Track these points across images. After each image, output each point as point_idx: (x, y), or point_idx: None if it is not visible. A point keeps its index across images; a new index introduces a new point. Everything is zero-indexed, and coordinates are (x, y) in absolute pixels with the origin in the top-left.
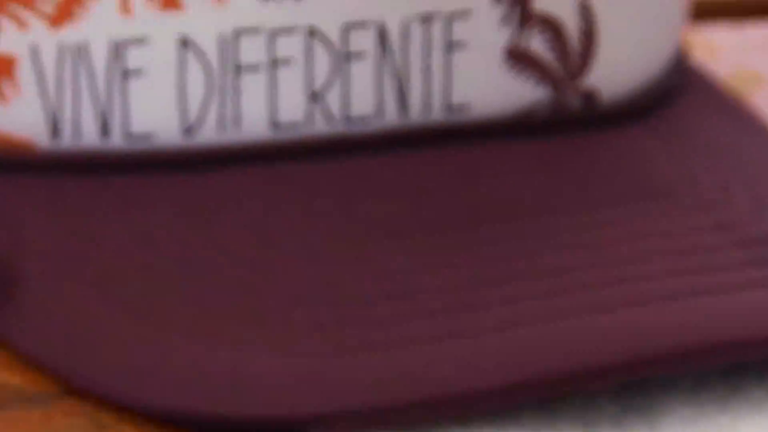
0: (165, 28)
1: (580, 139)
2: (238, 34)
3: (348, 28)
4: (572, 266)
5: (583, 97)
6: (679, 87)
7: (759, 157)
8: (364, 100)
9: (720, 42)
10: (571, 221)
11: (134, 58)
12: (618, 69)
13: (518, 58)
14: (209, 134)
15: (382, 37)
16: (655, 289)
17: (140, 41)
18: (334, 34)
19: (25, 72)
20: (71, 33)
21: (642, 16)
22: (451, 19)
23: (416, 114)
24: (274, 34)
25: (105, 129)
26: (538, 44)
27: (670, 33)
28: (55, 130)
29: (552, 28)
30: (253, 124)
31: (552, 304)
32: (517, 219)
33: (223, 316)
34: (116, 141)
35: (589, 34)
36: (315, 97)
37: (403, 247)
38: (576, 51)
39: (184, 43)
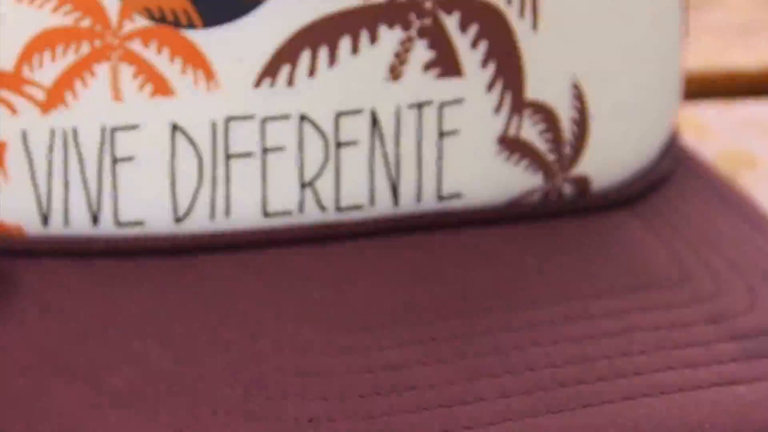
0: (156, 115)
1: (571, 225)
2: (230, 121)
3: (340, 116)
4: (564, 360)
5: (575, 184)
6: (670, 171)
7: (752, 244)
8: (356, 188)
9: (709, 121)
10: (563, 312)
11: (125, 144)
12: (610, 156)
13: (510, 147)
14: (200, 221)
15: (375, 125)
16: (648, 383)
17: (131, 127)
18: (326, 121)
19: (14, 157)
20: (62, 118)
21: (636, 104)
22: (443, 107)
23: (408, 202)
24: (265, 122)
25: (95, 216)
26: (530, 132)
27: (663, 120)
28: (45, 216)
29: (544, 115)
30: (245, 212)
31: (545, 398)
32: (508, 309)
33: (212, 408)
34: (107, 228)
35: (581, 122)
36: (307, 185)
37: (395, 337)
38: (568, 138)
39: (175, 130)
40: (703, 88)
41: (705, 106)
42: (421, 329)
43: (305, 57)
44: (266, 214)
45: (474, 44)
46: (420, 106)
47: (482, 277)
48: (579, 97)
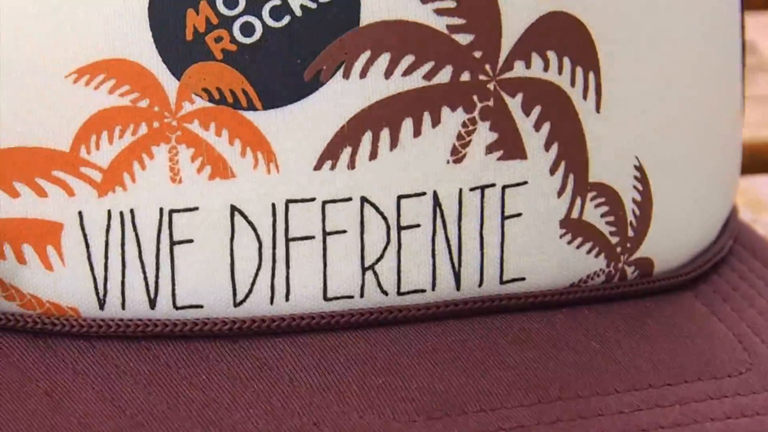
0: (215, 197)
1: (634, 308)
2: (290, 203)
3: (402, 199)
4: None
5: (638, 266)
6: (729, 248)
7: None
8: (417, 272)
9: (765, 196)
10: (631, 401)
11: (183, 227)
12: (674, 237)
13: (573, 229)
14: (260, 305)
15: (437, 207)
16: None
17: (190, 210)
18: (387, 204)
19: (70, 239)
20: (119, 200)
21: (699, 184)
22: (506, 189)
23: (470, 286)
24: (326, 205)
25: (153, 299)
26: (593, 214)
27: (725, 198)
28: (101, 299)
29: (607, 198)
30: (305, 295)
31: None
32: (576, 397)
33: None
34: (164, 311)
35: (644, 204)
36: (368, 269)
37: (460, 426)
38: (631, 221)
39: (235, 213)
40: (758, 162)
41: (760, 180)
42: (487, 418)
43: (366, 139)
44: (327, 298)
45: (537, 126)
46: (482, 188)
47: (547, 363)
48: (642, 179)
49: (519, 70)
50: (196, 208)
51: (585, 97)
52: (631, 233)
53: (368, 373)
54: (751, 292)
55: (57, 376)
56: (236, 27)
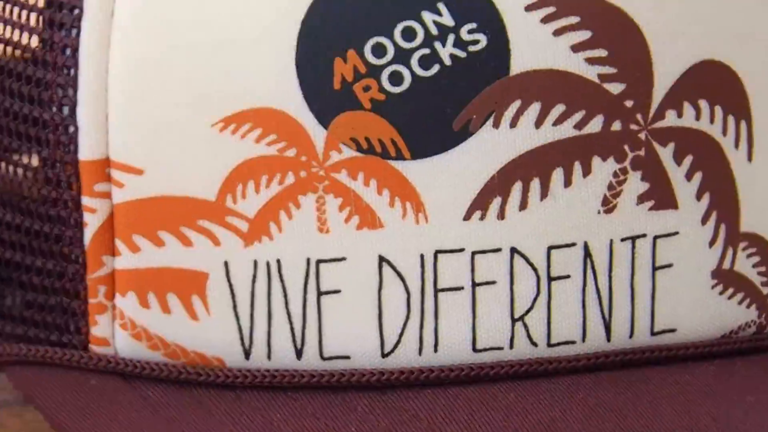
0: (363, 247)
1: None
2: (439, 254)
3: (552, 249)
4: None
5: None
6: None
7: None
8: (568, 323)
9: None
10: None
11: (330, 277)
12: None
13: (725, 280)
14: (408, 356)
15: (587, 258)
16: None
17: (337, 260)
18: (538, 255)
19: (216, 289)
20: (265, 250)
21: None
22: (657, 240)
23: (621, 337)
24: (475, 255)
25: (299, 350)
26: (744, 264)
27: None
28: (247, 350)
29: (759, 248)
30: (454, 347)
31: None
32: None
33: None
34: (311, 362)
35: None
36: (518, 320)
37: None
38: None
39: (383, 263)
40: None
41: None
42: None
43: (517, 189)
44: (476, 349)
45: (689, 176)
46: (633, 239)
47: (703, 417)
48: None
49: (671, 119)
50: (344, 259)
51: (737, 146)
52: None
53: (518, 426)
54: None
55: (204, 427)
56: (385, 76)
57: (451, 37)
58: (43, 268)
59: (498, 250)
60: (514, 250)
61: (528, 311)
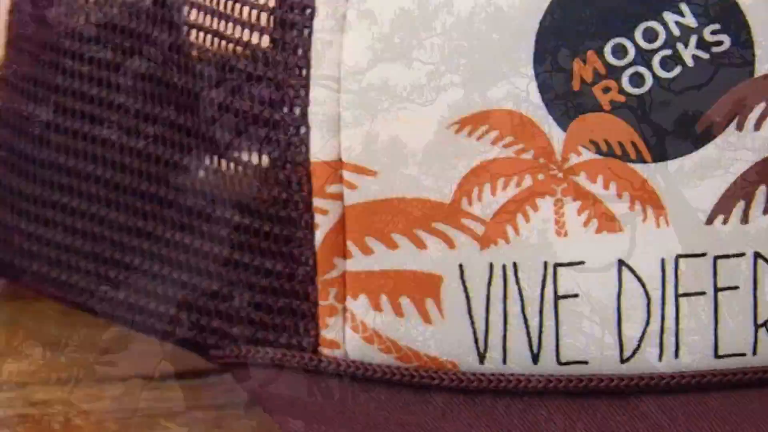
0: (602, 251)
1: None
2: (680, 258)
3: None
4: None
5: None
6: None
7: None
8: None
9: None
10: None
11: (568, 281)
12: None
13: None
14: (647, 362)
15: None
16: None
17: (575, 264)
18: None
19: (450, 292)
20: (501, 253)
21: None
22: None
23: None
24: (717, 260)
25: (536, 354)
26: None
27: None
28: (481, 353)
29: None
30: (694, 353)
31: None
32: None
33: None
34: (547, 366)
35: None
36: (761, 326)
37: None
38: None
39: (622, 267)
40: None
41: None
42: None
43: (761, 193)
44: (717, 356)
45: None
46: None
47: None
48: None
49: None
50: (582, 262)
51: None
52: None
53: None
54: None
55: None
56: (625, 77)
57: (693, 38)
58: (272, 270)
59: (741, 254)
60: (757, 255)
61: None
